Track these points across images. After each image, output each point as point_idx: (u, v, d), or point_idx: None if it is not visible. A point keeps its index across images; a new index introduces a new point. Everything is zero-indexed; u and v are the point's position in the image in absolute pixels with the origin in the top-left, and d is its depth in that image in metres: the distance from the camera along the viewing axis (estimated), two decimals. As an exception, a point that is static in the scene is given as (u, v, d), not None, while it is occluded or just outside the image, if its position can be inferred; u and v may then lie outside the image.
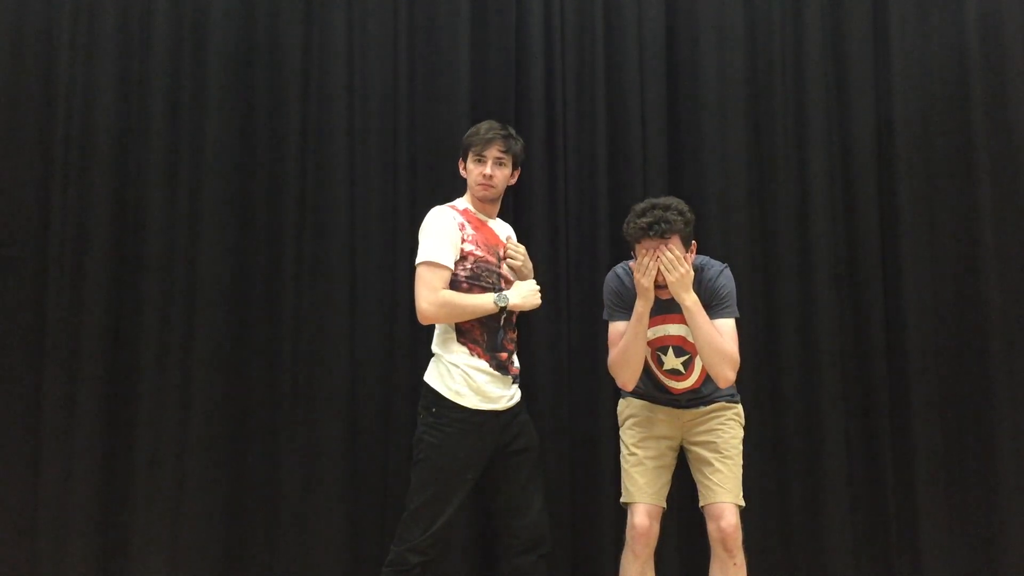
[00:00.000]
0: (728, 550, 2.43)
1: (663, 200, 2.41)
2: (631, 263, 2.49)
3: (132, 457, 2.99)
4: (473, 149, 2.57)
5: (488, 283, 2.52)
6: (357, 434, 3.04)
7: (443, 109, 3.14)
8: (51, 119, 3.08)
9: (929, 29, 3.26)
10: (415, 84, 3.18)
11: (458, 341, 2.49)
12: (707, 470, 2.51)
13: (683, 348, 2.51)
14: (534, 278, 2.63)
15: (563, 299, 3.09)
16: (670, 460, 2.59)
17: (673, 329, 2.50)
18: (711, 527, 2.46)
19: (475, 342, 2.49)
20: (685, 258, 2.39)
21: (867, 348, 3.13)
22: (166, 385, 3.01)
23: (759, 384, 3.09)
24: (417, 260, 2.49)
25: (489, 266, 2.54)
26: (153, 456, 2.98)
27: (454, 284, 2.48)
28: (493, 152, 2.55)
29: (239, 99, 3.14)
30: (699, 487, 2.54)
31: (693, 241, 2.47)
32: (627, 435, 2.61)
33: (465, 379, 2.45)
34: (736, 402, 2.60)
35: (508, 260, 2.60)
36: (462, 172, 2.64)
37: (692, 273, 2.40)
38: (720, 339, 2.40)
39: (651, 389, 2.59)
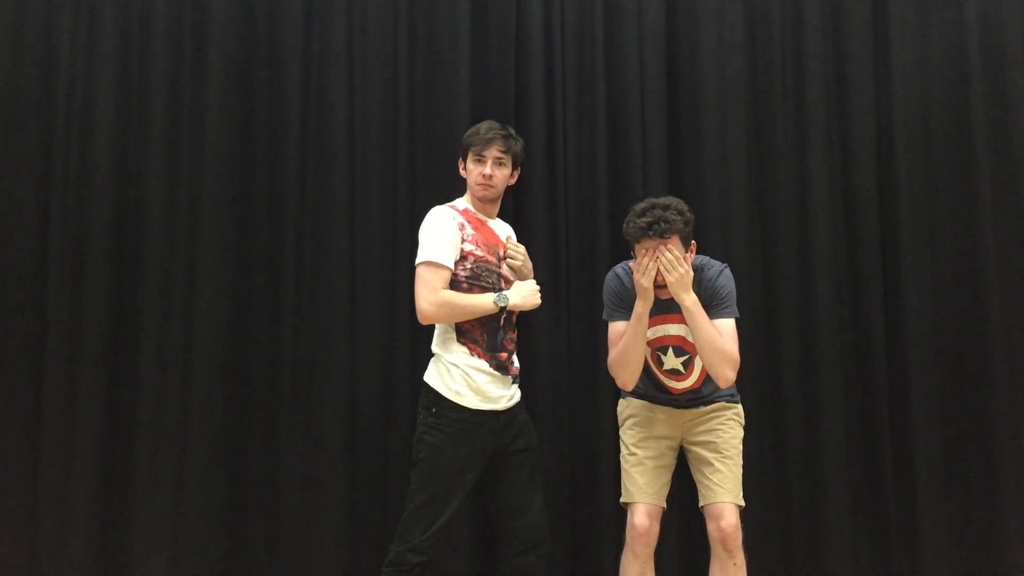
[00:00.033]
0: (728, 550, 2.43)
1: (663, 200, 2.41)
2: (631, 263, 2.49)
3: (132, 457, 2.99)
4: (473, 149, 2.57)
5: (488, 283, 2.52)
6: (357, 434, 3.04)
7: (443, 109, 3.14)
8: (51, 119, 3.08)
9: (929, 29, 3.26)
10: (415, 84, 3.18)
11: (458, 341, 2.49)
12: (707, 470, 2.51)
13: (683, 348, 2.51)
14: (534, 278, 2.63)
15: (563, 299, 3.09)
16: (670, 460, 2.59)
17: (673, 329, 2.50)
18: (711, 527, 2.46)
19: (475, 342, 2.49)
20: (685, 258, 2.39)
21: (867, 348, 3.13)
22: (166, 385, 3.01)
23: (759, 384, 3.09)
24: (417, 260, 2.49)
25: (489, 266, 2.54)
26: (153, 456, 2.98)
27: (454, 284, 2.48)
28: (493, 152, 2.55)
29: (239, 99, 3.14)
30: (699, 487, 2.54)
31: (693, 241, 2.47)
32: (627, 435, 2.61)
33: (465, 379, 2.45)
34: (736, 402, 2.60)
35: (508, 260, 2.60)
36: (462, 172, 2.64)
37: (692, 273, 2.40)
38: (720, 339, 2.40)
39: (651, 389, 2.59)
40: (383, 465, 3.02)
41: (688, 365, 2.53)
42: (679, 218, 2.37)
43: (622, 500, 2.57)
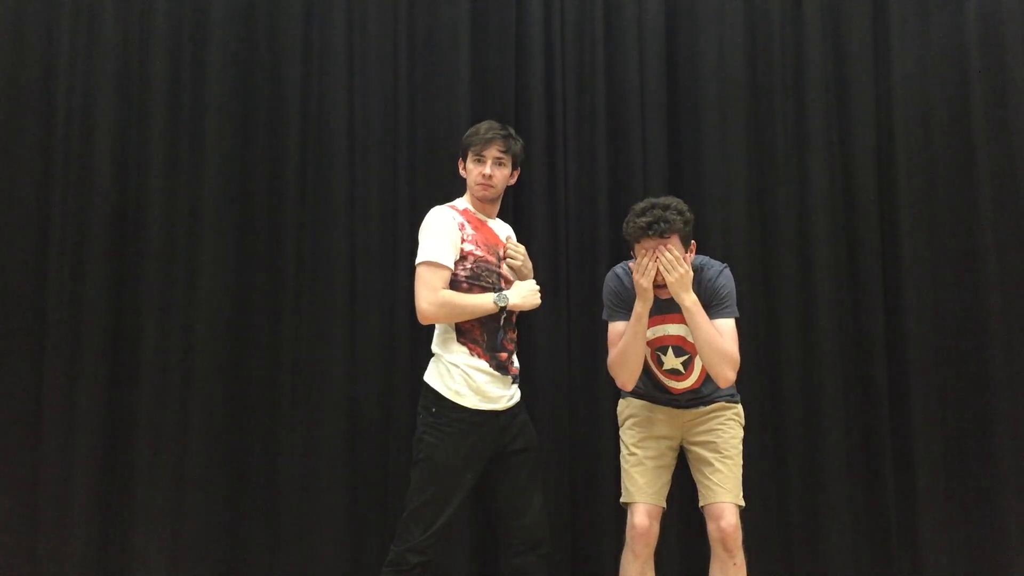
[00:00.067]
0: (728, 550, 2.43)
1: (663, 200, 2.42)
2: (631, 263, 2.49)
3: (132, 457, 2.99)
4: (473, 149, 2.57)
5: (488, 283, 2.52)
6: (357, 434, 3.04)
7: (443, 109, 3.14)
8: (51, 119, 3.09)
9: (929, 29, 3.26)
10: (415, 84, 3.19)
11: (458, 341, 2.48)
12: (707, 470, 2.51)
13: (683, 348, 2.51)
14: (534, 278, 2.63)
15: (563, 299, 3.09)
16: (670, 460, 2.59)
17: (673, 329, 2.50)
18: (711, 527, 2.46)
19: (475, 342, 2.49)
20: (685, 258, 2.39)
21: (867, 348, 3.13)
22: (166, 385, 3.02)
23: (759, 384, 3.09)
24: (417, 260, 2.49)
25: (489, 266, 2.53)
26: (153, 456, 2.98)
27: (454, 284, 2.48)
28: (493, 152, 2.55)
29: (239, 99, 3.14)
30: (699, 487, 2.54)
31: (693, 241, 2.47)
32: (627, 435, 2.61)
33: (465, 379, 2.45)
34: (736, 402, 2.60)
35: (508, 260, 2.60)
36: (462, 172, 2.64)
37: (691, 273, 2.40)
38: (720, 339, 2.40)
39: (651, 389, 2.59)
40: (383, 465, 3.02)
41: (688, 365, 2.53)
42: (679, 218, 2.37)
43: (622, 500, 2.57)
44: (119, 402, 3.02)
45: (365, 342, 3.06)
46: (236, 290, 3.08)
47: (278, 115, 3.14)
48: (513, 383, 2.55)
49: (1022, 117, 3.19)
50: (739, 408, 2.60)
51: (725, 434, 2.53)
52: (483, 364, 2.47)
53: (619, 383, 2.54)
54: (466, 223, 2.54)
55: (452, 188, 2.72)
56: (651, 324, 2.47)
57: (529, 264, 2.66)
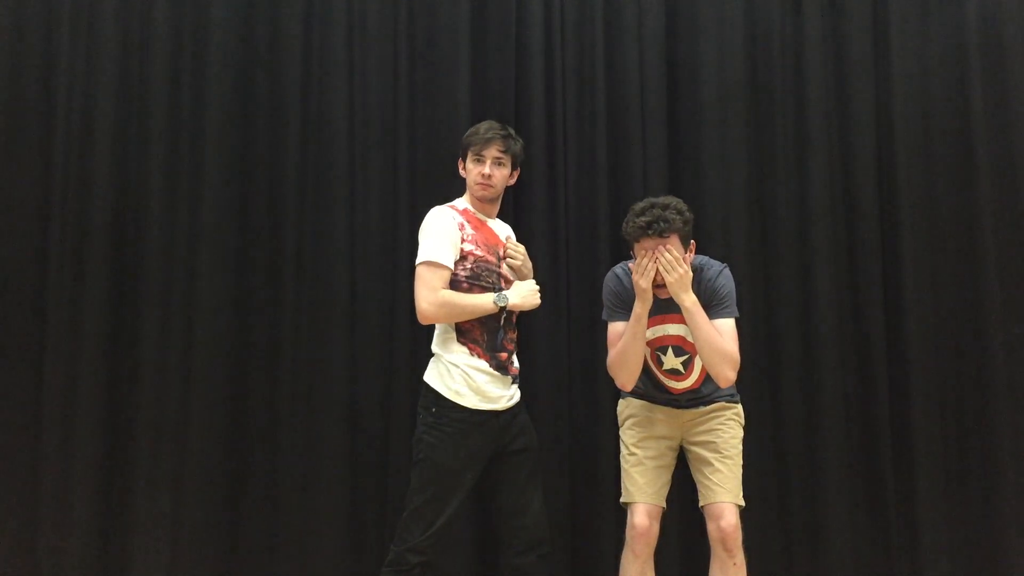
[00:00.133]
0: (728, 550, 2.42)
1: (662, 199, 2.41)
2: (630, 263, 2.49)
3: (132, 457, 2.99)
4: (472, 149, 2.57)
5: (488, 283, 2.52)
6: (357, 434, 3.04)
7: (443, 109, 3.14)
8: (51, 119, 3.09)
9: (929, 29, 3.26)
10: (415, 84, 3.19)
11: (458, 341, 2.48)
12: (707, 470, 2.51)
13: (682, 348, 2.51)
14: (534, 278, 2.63)
15: (563, 299, 3.09)
16: (670, 460, 2.59)
17: (672, 329, 2.50)
18: (711, 527, 2.46)
19: (475, 342, 2.49)
20: (684, 258, 2.39)
21: (867, 348, 3.13)
22: (166, 385, 3.02)
23: (759, 384, 3.09)
24: (417, 260, 2.49)
25: (489, 266, 2.53)
26: (153, 456, 2.98)
27: (454, 284, 2.48)
28: (492, 152, 2.55)
29: (239, 99, 3.14)
30: (699, 487, 2.54)
31: (692, 241, 2.47)
32: (627, 435, 2.61)
33: (465, 379, 2.45)
34: (736, 402, 2.60)
35: (508, 260, 2.60)
36: (461, 172, 2.64)
37: (691, 274, 2.40)
38: (720, 339, 2.40)
39: (651, 389, 2.59)
40: (383, 465, 3.02)
41: (688, 365, 2.52)
42: (678, 217, 2.37)
43: (622, 500, 2.57)
44: (119, 402, 3.02)
45: (365, 342, 3.06)
46: (236, 290, 3.08)
47: (278, 115, 3.14)
48: (513, 383, 2.55)
49: (1022, 117, 3.18)
50: (739, 408, 2.60)
51: (725, 434, 2.53)
52: (483, 364, 2.47)
53: (618, 383, 2.53)
54: (466, 223, 2.54)
55: (452, 188, 2.72)
56: (651, 324, 2.46)
57: (529, 264, 2.66)
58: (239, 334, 3.07)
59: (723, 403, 2.56)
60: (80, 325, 3.01)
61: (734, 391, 2.60)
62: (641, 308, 2.40)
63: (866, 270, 3.16)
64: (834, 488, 3.04)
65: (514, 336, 2.59)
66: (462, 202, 2.61)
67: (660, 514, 2.52)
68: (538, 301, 2.56)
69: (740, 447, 2.55)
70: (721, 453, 2.51)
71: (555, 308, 3.04)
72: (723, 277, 2.49)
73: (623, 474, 2.58)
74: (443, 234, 2.48)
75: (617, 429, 2.68)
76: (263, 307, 3.08)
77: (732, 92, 3.19)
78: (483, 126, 2.59)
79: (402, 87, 3.17)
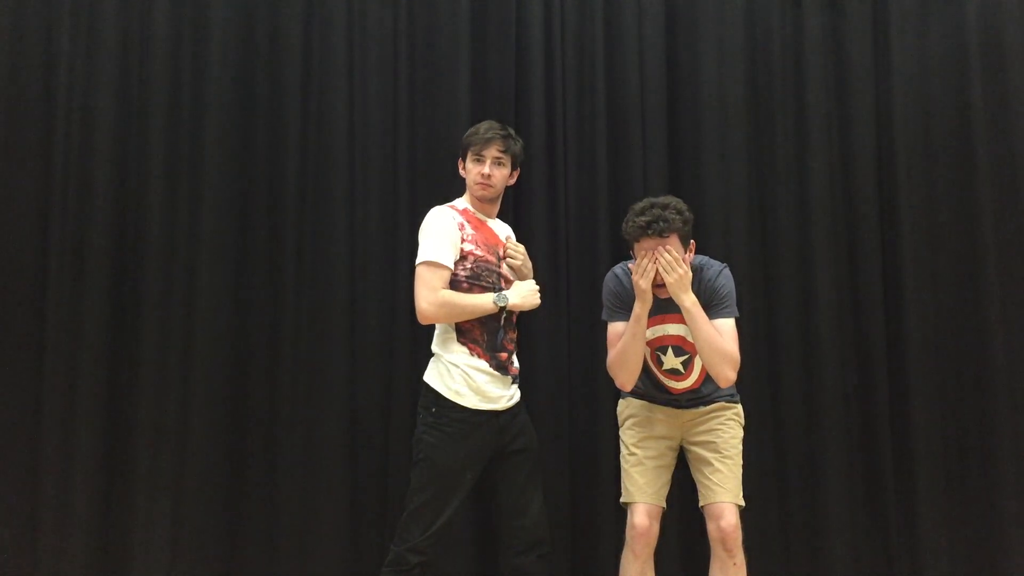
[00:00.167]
0: (728, 550, 2.42)
1: (662, 199, 2.42)
2: (630, 264, 2.49)
3: (132, 457, 2.99)
4: (472, 149, 2.57)
5: (488, 283, 2.52)
6: (357, 434, 3.04)
7: (443, 109, 3.14)
8: (51, 119, 3.08)
9: (929, 29, 3.26)
10: (415, 84, 3.19)
11: (458, 341, 2.49)
12: (707, 470, 2.51)
13: (682, 348, 2.51)
14: (534, 278, 2.63)
15: (563, 299, 3.09)
16: (670, 460, 2.59)
17: (672, 329, 2.50)
18: (711, 527, 2.46)
19: (475, 342, 2.49)
20: (684, 258, 2.39)
21: (867, 348, 3.13)
22: (166, 385, 3.02)
23: (759, 384, 3.09)
24: (417, 260, 2.49)
25: (489, 266, 2.54)
26: (153, 456, 2.98)
27: (454, 284, 2.48)
28: (492, 152, 2.55)
29: (239, 99, 3.14)
30: (699, 487, 2.54)
31: (692, 241, 2.47)
32: (627, 435, 2.61)
33: (465, 379, 2.45)
34: (736, 402, 2.60)
35: (508, 260, 2.60)
36: (461, 172, 2.64)
37: (690, 274, 2.40)
38: (720, 339, 2.40)
39: (651, 389, 2.59)
40: (383, 465, 3.02)
41: (688, 365, 2.52)
42: (678, 217, 2.37)
43: (622, 500, 2.57)
44: (119, 402, 3.02)
45: (365, 342, 3.06)
46: (236, 290, 3.08)
47: (278, 115, 3.14)
48: (513, 383, 2.55)
49: (1022, 117, 3.18)
50: (739, 408, 2.60)
51: (725, 434, 2.53)
52: (483, 364, 2.47)
53: (618, 383, 2.54)
54: (466, 223, 2.54)
55: (452, 188, 2.73)
56: (651, 324, 2.47)
57: (529, 264, 2.66)
58: (239, 334, 3.06)
59: (723, 403, 2.56)
60: (80, 325, 3.00)
61: (734, 391, 2.60)
62: (641, 308, 2.40)
63: (866, 270, 3.16)
64: (834, 488, 3.04)
65: (514, 336, 2.59)
66: (462, 202, 2.61)
67: (660, 514, 2.52)
68: (538, 301, 2.56)
69: (740, 447, 2.55)
70: (721, 453, 2.51)
71: (555, 308, 3.04)
72: (723, 277, 2.49)
73: (623, 474, 2.58)
74: (443, 234, 2.48)
75: (617, 429, 2.68)
76: (263, 307, 3.08)
77: (732, 92, 3.19)
78: (483, 126, 2.60)
79: (402, 87, 3.17)
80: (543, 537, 2.53)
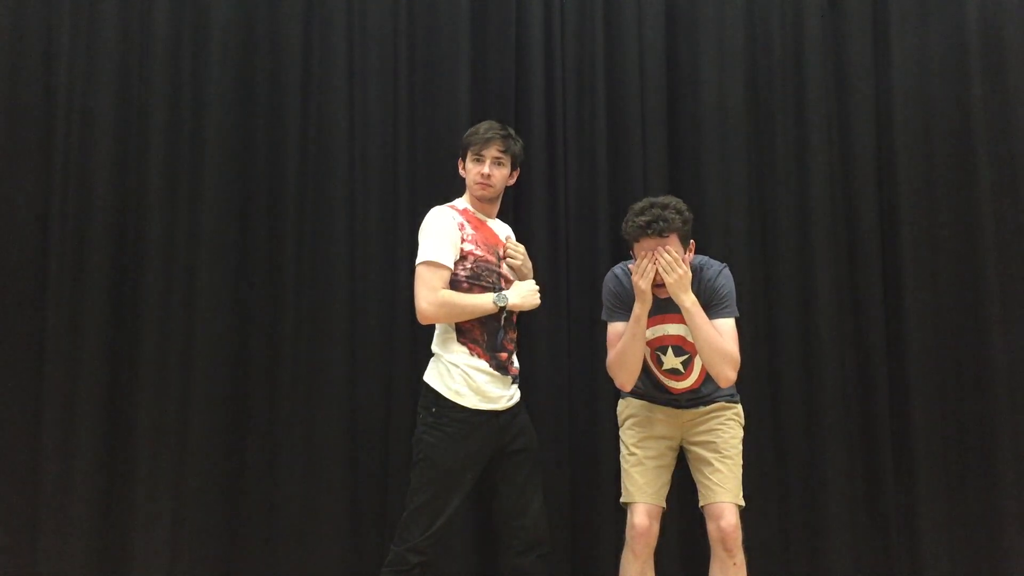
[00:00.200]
0: (728, 550, 2.42)
1: (662, 199, 2.42)
2: (630, 264, 2.49)
3: (132, 457, 2.99)
4: (472, 148, 2.57)
5: (488, 283, 2.52)
6: (357, 434, 3.04)
7: (443, 109, 3.14)
8: (51, 119, 3.08)
9: (929, 29, 3.25)
10: (415, 84, 3.19)
11: (458, 341, 2.48)
12: (707, 470, 2.51)
13: (682, 348, 2.51)
14: (534, 278, 2.63)
15: (563, 299, 3.09)
16: (670, 460, 2.59)
17: (672, 329, 2.50)
18: (711, 527, 2.46)
19: (475, 342, 2.49)
20: (684, 258, 2.39)
21: (867, 348, 3.13)
22: (166, 385, 3.02)
23: (759, 384, 3.09)
24: (417, 260, 2.49)
25: (489, 265, 2.54)
26: (153, 456, 2.98)
27: (454, 284, 2.48)
28: (492, 152, 2.55)
29: (239, 99, 3.14)
30: (699, 487, 2.54)
31: (692, 240, 2.47)
32: (627, 435, 2.61)
33: (465, 379, 2.45)
34: (736, 402, 2.60)
35: (508, 260, 2.60)
36: (461, 172, 2.64)
37: (690, 274, 2.40)
38: (720, 339, 2.40)
39: (650, 389, 2.59)
40: (383, 465, 3.02)
41: (688, 365, 2.52)
42: (677, 217, 2.37)
43: (622, 500, 2.57)
44: (119, 402, 3.02)
45: (365, 342, 3.06)
46: (236, 290, 3.08)
47: (278, 116, 3.15)
48: (513, 383, 2.55)
49: (1022, 117, 3.18)
50: (739, 408, 2.60)
51: (725, 434, 2.53)
52: (483, 364, 2.47)
53: (618, 383, 2.54)
54: (466, 223, 2.54)
55: (452, 188, 2.73)
56: (650, 324, 2.47)
57: (529, 264, 2.66)
58: (239, 334, 3.07)
59: (723, 403, 2.56)
60: (80, 325, 3.01)
61: (734, 391, 2.60)
62: (640, 309, 2.40)
63: (866, 270, 3.16)
64: (834, 488, 3.04)
65: (514, 336, 2.59)
66: (462, 202, 2.61)
67: (660, 514, 2.52)
68: (538, 301, 2.56)
69: (740, 447, 2.55)
70: (721, 453, 2.51)
71: (555, 308, 3.04)
72: (723, 277, 2.49)
73: (623, 474, 2.58)
74: (443, 234, 2.48)
75: (617, 429, 2.68)
76: (263, 307, 3.08)
77: (732, 92, 3.19)
78: (483, 126, 2.60)
79: (402, 87, 3.17)
80: (543, 537, 2.53)
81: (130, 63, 3.13)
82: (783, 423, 3.11)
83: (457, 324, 2.48)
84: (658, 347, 2.53)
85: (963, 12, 3.23)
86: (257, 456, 3.03)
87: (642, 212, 2.37)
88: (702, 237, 2.69)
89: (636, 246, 2.42)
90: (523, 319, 2.72)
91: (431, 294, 2.44)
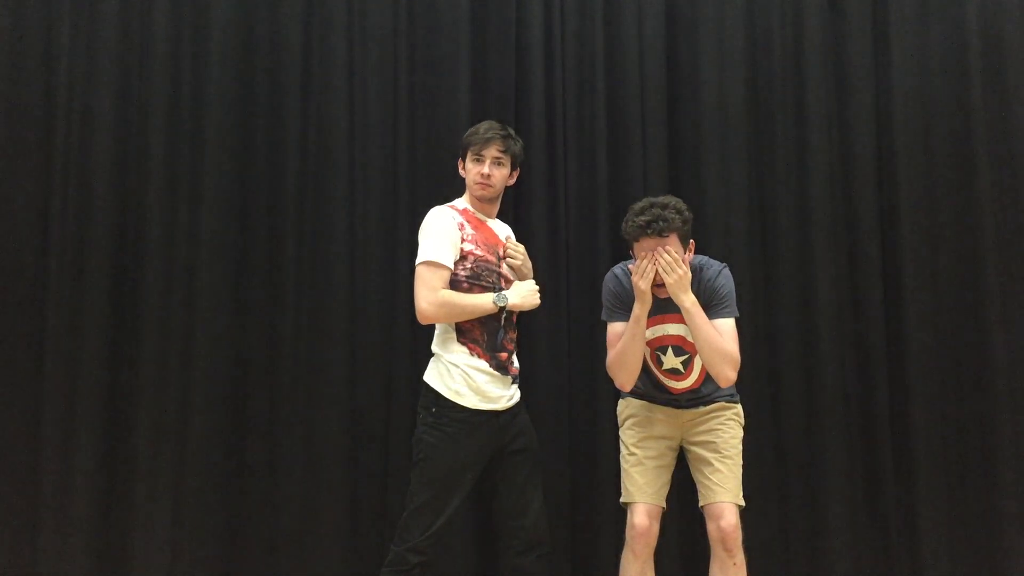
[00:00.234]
0: (728, 550, 2.42)
1: (661, 199, 2.42)
2: (630, 264, 2.49)
3: (132, 457, 2.99)
4: (472, 148, 2.57)
5: (488, 283, 2.52)
6: (357, 434, 3.04)
7: (443, 110, 3.14)
8: (51, 119, 3.09)
9: (929, 29, 3.25)
10: (415, 84, 3.19)
11: (458, 341, 2.48)
12: (707, 470, 2.51)
13: (682, 348, 2.51)
14: (534, 278, 2.63)
15: (563, 299, 3.09)
16: (670, 460, 2.59)
17: (672, 328, 2.50)
18: (711, 527, 2.46)
19: (475, 342, 2.49)
20: (684, 258, 2.39)
21: (867, 348, 3.13)
22: (166, 385, 3.02)
23: (759, 384, 3.09)
24: (417, 260, 2.49)
25: (489, 265, 2.53)
26: (153, 457, 2.98)
27: (454, 284, 2.48)
28: (491, 152, 2.55)
29: (240, 100, 3.14)
30: (699, 487, 2.54)
31: (691, 240, 2.47)
32: (627, 435, 2.61)
33: (465, 379, 2.45)
34: (736, 402, 2.60)
35: (508, 260, 2.60)
36: (461, 172, 2.64)
37: (690, 275, 2.40)
38: (720, 339, 2.40)
39: (650, 389, 2.59)
40: (383, 465, 3.02)
41: (688, 365, 2.52)
42: (677, 216, 2.37)
43: (622, 500, 2.57)
44: (119, 402, 3.02)
45: (365, 342, 3.06)
46: (236, 291, 3.08)
47: (278, 116, 3.15)
48: (513, 383, 2.55)
49: (1022, 117, 3.18)
50: (739, 408, 2.60)
51: (725, 434, 2.53)
52: (483, 364, 2.47)
53: (617, 384, 2.53)
54: (466, 223, 2.54)
55: (452, 188, 2.72)
56: (650, 324, 2.47)
57: (529, 264, 2.66)
58: (239, 334, 3.07)
59: (723, 403, 2.56)
60: (80, 325, 3.01)
61: (734, 391, 2.60)
62: (640, 310, 2.40)
63: (866, 270, 3.16)
64: (834, 488, 3.04)
65: (514, 336, 2.59)
66: (462, 202, 2.61)
67: (660, 514, 2.52)
68: (538, 301, 2.56)
69: (740, 447, 2.55)
70: (721, 453, 2.51)
71: (555, 308, 3.04)
72: (723, 277, 2.49)
73: (623, 474, 2.58)
74: (443, 234, 2.48)
75: (617, 429, 2.68)
76: (263, 307, 3.08)
77: (732, 92, 3.19)
78: (483, 126, 2.59)
79: (402, 87, 3.17)
80: (543, 537, 2.53)
81: (130, 63, 3.14)
82: (783, 423, 3.10)
83: (457, 324, 2.48)
84: (658, 347, 2.53)
85: (963, 12, 3.23)
86: (257, 456, 3.03)
87: (642, 212, 2.37)
88: (702, 237, 2.69)
89: (636, 246, 2.42)
90: (523, 319, 2.72)
91: (431, 294, 2.44)
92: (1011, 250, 3.15)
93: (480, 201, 2.59)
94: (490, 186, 2.56)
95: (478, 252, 2.51)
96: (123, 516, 2.98)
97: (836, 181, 3.20)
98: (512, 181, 2.66)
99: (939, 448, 3.10)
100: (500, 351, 2.51)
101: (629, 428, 2.61)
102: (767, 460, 3.08)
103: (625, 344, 2.44)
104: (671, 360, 2.53)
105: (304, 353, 3.06)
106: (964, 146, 3.18)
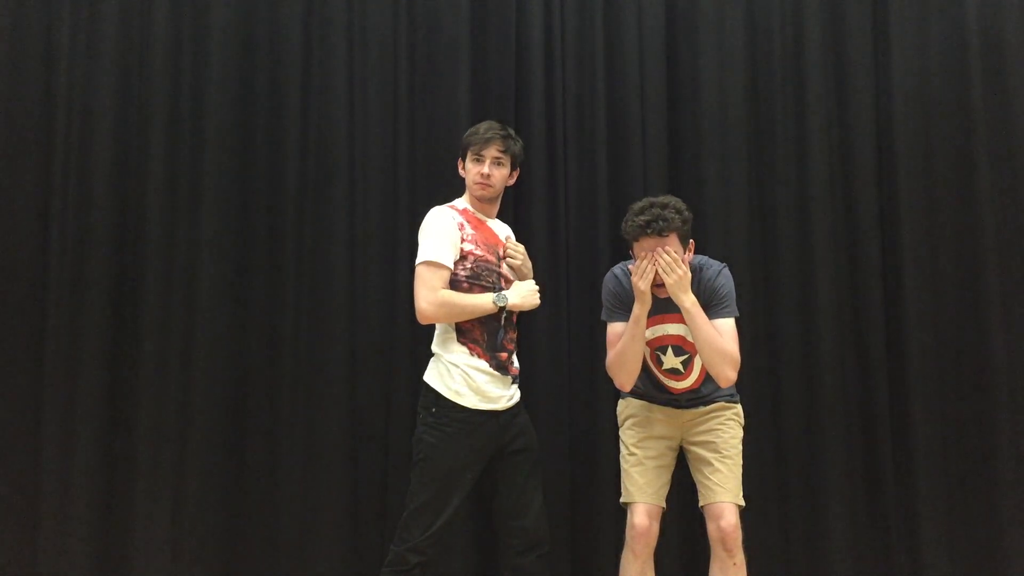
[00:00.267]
0: (728, 550, 2.42)
1: (661, 199, 2.42)
2: (630, 264, 2.49)
3: (132, 457, 2.99)
4: (472, 148, 2.57)
5: (488, 283, 2.52)
6: (357, 434, 3.04)
7: (443, 110, 3.14)
8: (51, 119, 3.09)
9: (929, 29, 3.25)
10: (415, 84, 3.19)
11: (458, 341, 2.48)
12: (707, 470, 2.51)
13: (682, 347, 2.51)
14: (534, 278, 2.63)
15: (563, 299, 3.09)
16: (670, 460, 2.59)
17: (672, 328, 2.50)
18: (711, 527, 2.46)
19: (475, 342, 2.49)
20: (683, 258, 2.39)
21: (867, 348, 3.13)
22: (166, 385, 3.02)
23: (759, 384, 3.09)
24: (417, 260, 2.49)
25: (489, 265, 2.54)
26: (153, 456, 2.98)
27: (454, 284, 2.48)
28: (491, 152, 2.55)
29: (240, 100, 3.14)
30: (699, 487, 2.54)
31: (691, 240, 2.47)
32: (627, 435, 2.61)
33: (465, 379, 2.45)
34: (736, 402, 2.60)
35: (508, 260, 2.60)
36: (461, 172, 2.64)
37: (690, 275, 2.40)
38: (720, 339, 2.40)
39: (650, 389, 2.59)
40: (383, 465, 3.02)
41: (687, 364, 2.52)
42: (677, 216, 2.37)
43: (622, 500, 2.57)
44: (119, 402, 3.02)
45: (365, 342, 3.06)
46: (236, 291, 3.08)
47: (278, 116, 3.15)
48: (513, 383, 2.55)
49: (1022, 117, 3.18)
50: (739, 408, 2.60)
51: (725, 434, 2.53)
52: (483, 364, 2.47)
53: (617, 384, 2.53)
54: (466, 223, 2.54)
55: (452, 188, 2.72)
56: (650, 324, 2.47)
57: (529, 264, 2.66)
58: (239, 334, 3.07)
59: (723, 403, 2.56)
60: (80, 325, 3.01)
61: (734, 391, 2.60)
62: (640, 310, 2.40)
63: (866, 270, 3.16)
64: (834, 488, 3.04)
65: (514, 336, 2.59)
66: (462, 202, 2.61)
67: (660, 514, 2.52)
68: (538, 301, 2.56)
69: (740, 447, 2.55)
70: (721, 453, 2.51)
71: (555, 308, 3.04)
72: (723, 277, 2.49)
73: (623, 474, 2.58)
74: (443, 234, 2.48)
75: (617, 429, 2.68)
76: (263, 307, 3.08)
77: (732, 92, 3.19)
78: (483, 126, 2.60)
79: (402, 87, 3.17)
80: (543, 537, 2.53)
81: (130, 63, 3.14)
82: (783, 423, 3.10)
83: (457, 324, 2.48)
84: (658, 347, 2.53)
85: (963, 12, 3.22)
86: (257, 456, 3.03)
87: (642, 212, 2.38)
88: (702, 237, 2.69)
89: (636, 245, 2.42)
90: (523, 319, 2.72)
91: (431, 294, 2.44)
92: (1011, 250, 3.14)
93: (480, 201, 2.59)
94: (490, 186, 2.56)
95: (478, 252, 2.51)
96: (123, 516, 2.98)
97: (836, 181, 3.20)
98: (512, 181, 2.66)
99: (939, 448, 3.10)
100: (500, 351, 2.51)
101: (629, 428, 2.61)
102: (767, 460, 3.08)
103: (625, 344, 2.44)
104: (671, 360, 2.53)
105: (304, 353, 3.06)
106: (964, 146, 3.18)
